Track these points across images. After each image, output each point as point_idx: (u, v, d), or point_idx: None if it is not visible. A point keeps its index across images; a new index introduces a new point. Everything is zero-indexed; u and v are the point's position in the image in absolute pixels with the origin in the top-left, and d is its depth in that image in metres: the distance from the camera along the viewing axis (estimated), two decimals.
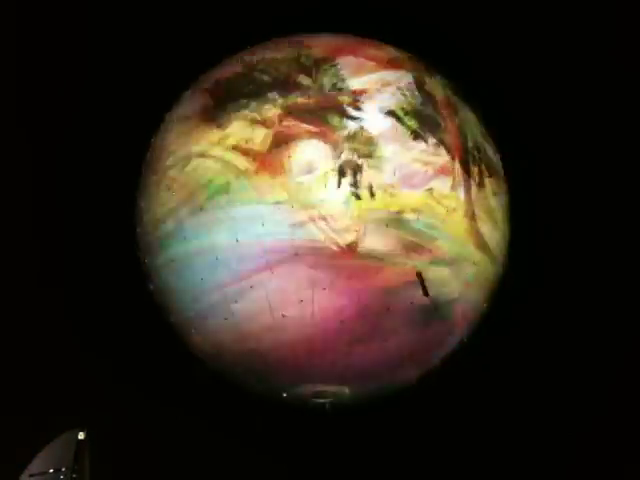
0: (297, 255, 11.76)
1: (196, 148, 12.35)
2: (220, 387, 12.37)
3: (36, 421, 14.85)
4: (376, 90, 12.35)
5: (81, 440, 14.28)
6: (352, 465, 14.01)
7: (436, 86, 12.83)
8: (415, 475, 14.53)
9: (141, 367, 14.77)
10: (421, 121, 12.33)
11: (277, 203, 11.76)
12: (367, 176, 11.88)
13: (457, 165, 12.33)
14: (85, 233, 14.85)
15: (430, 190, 12.06)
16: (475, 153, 12.69)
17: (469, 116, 13.05)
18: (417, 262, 12.01)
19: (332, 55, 12.54)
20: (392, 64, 12.80)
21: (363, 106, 12.21)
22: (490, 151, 13.05)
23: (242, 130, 12.24)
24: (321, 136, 12.03)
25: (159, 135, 13.29)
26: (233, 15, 14.61)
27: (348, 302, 11.89)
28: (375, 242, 11.83)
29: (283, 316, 11.78)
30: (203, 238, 12.20)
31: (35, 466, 14.54)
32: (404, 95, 12.47)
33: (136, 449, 14.95)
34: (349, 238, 11.67)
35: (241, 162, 12.05)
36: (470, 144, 12.72)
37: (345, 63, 12.42)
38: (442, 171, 12.22)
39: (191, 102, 13.01)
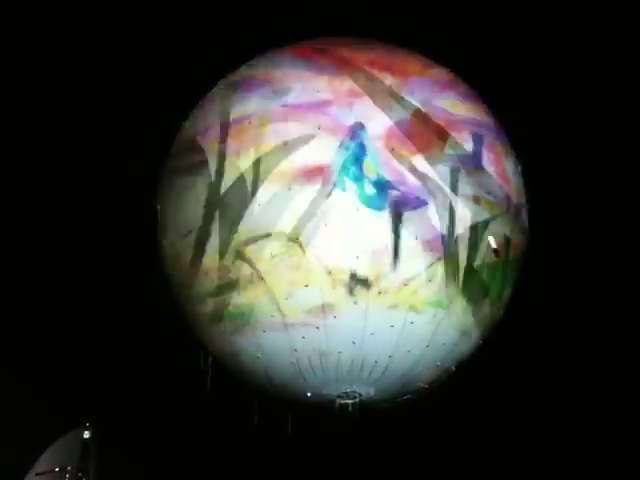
0: None
1: None
2: (236, 384, 12.32)
3: (42, 420, 14.78)
4: None
5: (87, 439, 14.26)
6: (376, 466, 14.01)
7: None
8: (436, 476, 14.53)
9: (149, 365, 14.70)
10: None
11: None
12: None
13: None
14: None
15: None
16: None
17: None
18: None
19: None
20: None
21: None
22: None
23: None
24: None
25: None
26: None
27: None
28: None
29: None
30: None
31: (41, 465, 14.45)
32: None
33: (142, 448, 14.89)
34: None
35: None
36: None
37: None
38: None
39: None
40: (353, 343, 11.17)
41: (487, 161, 11.67)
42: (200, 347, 12.07)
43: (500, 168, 11.79)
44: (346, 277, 10.99)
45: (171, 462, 14.77)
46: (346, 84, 11.44)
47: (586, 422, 14.42)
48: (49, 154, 14.61)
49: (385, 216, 11.05)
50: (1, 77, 14.34)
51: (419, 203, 11.16)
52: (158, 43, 14.23)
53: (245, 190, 11.19)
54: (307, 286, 11.03)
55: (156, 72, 14.22)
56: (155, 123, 13.59)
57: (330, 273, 10.99)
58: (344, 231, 11.02)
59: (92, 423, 13.98)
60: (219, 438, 14.65)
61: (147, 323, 14.14)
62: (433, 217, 11.18)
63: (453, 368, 11.81)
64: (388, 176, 11.12)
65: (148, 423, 14.66)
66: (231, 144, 11.40)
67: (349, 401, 11.34)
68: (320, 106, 11.30)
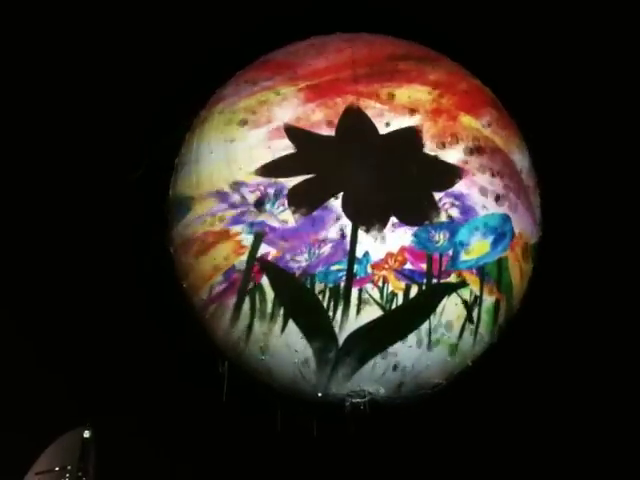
0: None
1: None
2: (244, 383, 12.03)
3: (42, 419, 14.76)
4: None
5: (87, 438, 14.24)
6: (386, 465, 13.91)
7: None
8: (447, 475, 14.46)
9: (150, 364, 14.59)
10: None
11: None
12: None
13: None
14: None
15: None
16: None
17: None
18: None
19: None
20: None
21: None
22: None
23: None
24: None
25: None
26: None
27: None
28: None
29: None
30: None
31: (41, 464, 14.40)
32: None
33: (143, 447, 14.83)
34: None
35: None
36: None
37: None
38: None
39: None
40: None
41: None
42: (214, 350, 11.78)
43: None
44: None
45: (172, 462, 14.71)
46: None
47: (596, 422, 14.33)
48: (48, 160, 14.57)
49: None
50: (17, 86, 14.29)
51: None
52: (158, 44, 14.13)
53: None
54: None
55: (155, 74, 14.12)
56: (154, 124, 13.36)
57: None
58: None
59: (92, 422, 13.96)
60: (218, 439, 14.61)
61: (146, 321, 14.01)
62: None
63: (469, 362, 11.43)
64: None
65: (149, 422, 14.60)
66: None
67: (360, 400, 11.04)
68: None
